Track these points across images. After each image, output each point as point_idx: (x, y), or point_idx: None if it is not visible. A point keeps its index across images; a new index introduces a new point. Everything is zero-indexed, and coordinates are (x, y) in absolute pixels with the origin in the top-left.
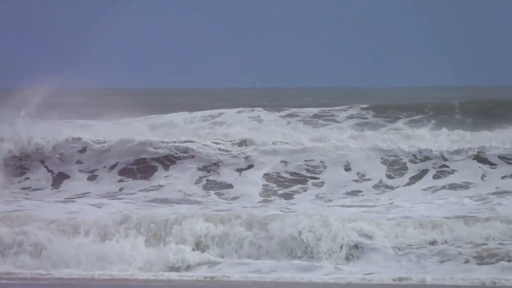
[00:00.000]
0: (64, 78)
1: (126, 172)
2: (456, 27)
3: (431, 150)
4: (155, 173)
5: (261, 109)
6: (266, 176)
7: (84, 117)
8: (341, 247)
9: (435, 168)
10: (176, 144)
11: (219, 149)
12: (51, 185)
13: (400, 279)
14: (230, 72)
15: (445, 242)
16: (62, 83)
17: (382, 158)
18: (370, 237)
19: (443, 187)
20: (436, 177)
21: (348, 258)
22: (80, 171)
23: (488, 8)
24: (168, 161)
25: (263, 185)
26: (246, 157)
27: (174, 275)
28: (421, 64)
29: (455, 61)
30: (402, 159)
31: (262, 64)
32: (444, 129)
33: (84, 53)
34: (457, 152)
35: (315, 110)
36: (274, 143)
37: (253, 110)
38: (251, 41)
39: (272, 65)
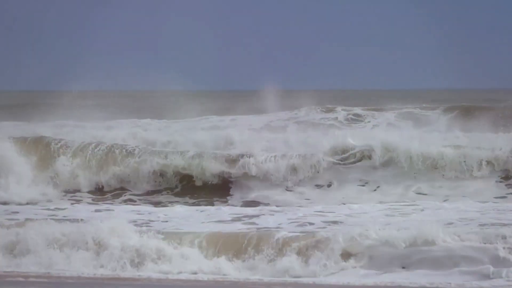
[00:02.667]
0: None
1: None
2: (459, 28)
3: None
4: None
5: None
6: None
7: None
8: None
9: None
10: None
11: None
12: None
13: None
14: (231, 73)
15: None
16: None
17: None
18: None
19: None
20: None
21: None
22: None
23: (490, 9)
24: None
25: None
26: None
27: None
28: (421, 65)
29: (457, 62)
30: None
31: (261, 65)
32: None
33: (86, 55)
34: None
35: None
36: None
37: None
38: (248, 42)
39: (271, 66)
